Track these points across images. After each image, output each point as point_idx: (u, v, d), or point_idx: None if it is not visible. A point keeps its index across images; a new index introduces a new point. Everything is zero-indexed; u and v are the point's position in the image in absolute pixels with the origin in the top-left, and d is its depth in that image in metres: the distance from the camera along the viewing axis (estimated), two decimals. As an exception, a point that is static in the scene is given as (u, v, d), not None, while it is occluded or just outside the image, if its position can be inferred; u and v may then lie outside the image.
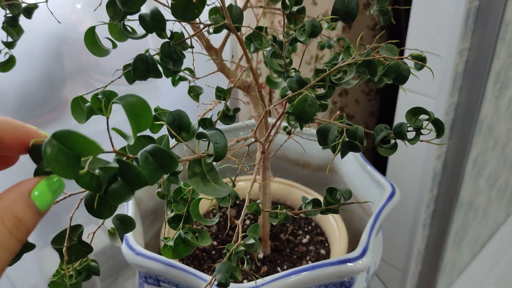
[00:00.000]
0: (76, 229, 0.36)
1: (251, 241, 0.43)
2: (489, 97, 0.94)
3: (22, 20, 0.44)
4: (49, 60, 0.72)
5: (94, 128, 0.79)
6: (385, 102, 1.20)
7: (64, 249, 0.35)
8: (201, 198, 0.45)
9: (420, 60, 0.47)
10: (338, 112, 0.47)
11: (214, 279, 0.41)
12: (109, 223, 0.38)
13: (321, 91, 0.44)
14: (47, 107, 0.76)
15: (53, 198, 0.24)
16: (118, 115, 0.32)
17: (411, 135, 0.41)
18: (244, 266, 0.42)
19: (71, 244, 0.35)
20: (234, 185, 0.44)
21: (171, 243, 0.40)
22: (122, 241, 0.38)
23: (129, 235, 0.50)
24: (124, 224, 0.39)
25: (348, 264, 0.46)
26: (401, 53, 0.47)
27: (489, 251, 1.36)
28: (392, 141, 0.41)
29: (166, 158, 0.27)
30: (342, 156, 0.41)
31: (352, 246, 0.50)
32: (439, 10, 0.80)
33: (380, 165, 1.09)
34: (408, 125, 0.41)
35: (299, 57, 0.93)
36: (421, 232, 1.01)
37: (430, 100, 0.86)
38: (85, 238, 0.36)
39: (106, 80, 0.46)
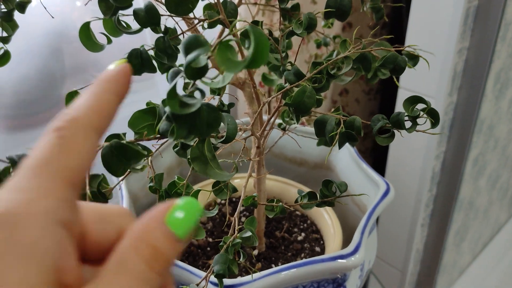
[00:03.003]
0: (96, 178, 0.35)
1: (248, 233, 0.44)
2: (490, 97, 0.94)
3: (21, 16, 0.45)
4: (48, 57, 0.73)
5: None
6: (385, 102, 1.19)
7: (88, 193, 0.34)
8: (199, 190, 0.45)
9: (415, 56, 0.47)
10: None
11: (211, 270, 0.41)
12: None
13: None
14: (46, 105, 0.76)
15: (191, 223, 0.20)
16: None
17: (408, 124, 0.41)
18: (241, 260, 0.43)
19: (91, 191, 0.34)
20: (237, 170, 0.43)
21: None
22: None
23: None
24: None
25: (341, 260, 0.46)
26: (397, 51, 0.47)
27: (490, 252, 1.36)
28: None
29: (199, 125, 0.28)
30: (340, 146, 0.41)
31: (347, 244, 0.50)
32: (438, 9, 0.80)
33: (380, 164, 1.09)
34: (406, 114, 0.41)
35: (298, 55, 0.93)
36: (420, 231, 1.00)
37: (429, 99, 0.86)
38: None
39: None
